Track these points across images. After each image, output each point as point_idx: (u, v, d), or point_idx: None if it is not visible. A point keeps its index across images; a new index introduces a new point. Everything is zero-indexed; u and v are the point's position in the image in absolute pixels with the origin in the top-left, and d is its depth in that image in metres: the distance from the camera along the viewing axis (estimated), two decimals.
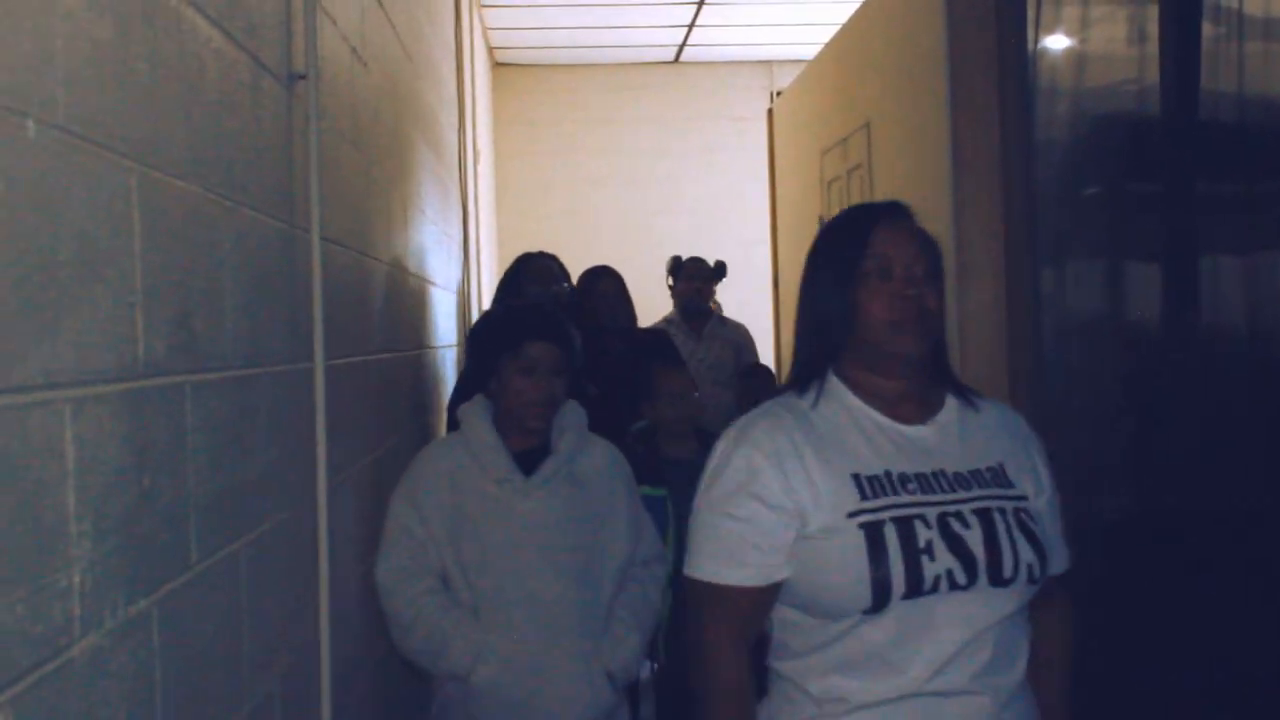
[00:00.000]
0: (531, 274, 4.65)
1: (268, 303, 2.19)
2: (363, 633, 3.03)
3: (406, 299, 4.00)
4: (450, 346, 5.29)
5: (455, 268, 5.83)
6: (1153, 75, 4.14)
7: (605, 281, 4.93)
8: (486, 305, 7.88)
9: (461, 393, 4.24)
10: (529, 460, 2.90)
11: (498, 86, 10.44)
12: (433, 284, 4.74)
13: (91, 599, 1.36)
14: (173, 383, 1.66)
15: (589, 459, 2.98)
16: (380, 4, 3.64)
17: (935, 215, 4.05)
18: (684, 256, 6.38)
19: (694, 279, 6.15)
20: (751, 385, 5.11)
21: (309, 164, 2.45)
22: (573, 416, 3.00)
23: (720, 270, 6.26)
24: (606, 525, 2.94)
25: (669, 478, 3.77)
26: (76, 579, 1.32)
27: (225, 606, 1.89)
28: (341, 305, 2.80)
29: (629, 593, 2.97)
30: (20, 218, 1.21)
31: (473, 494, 2.86)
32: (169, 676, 1.60)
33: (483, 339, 3.11)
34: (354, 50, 3.14)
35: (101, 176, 1.42)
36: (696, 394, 4.13)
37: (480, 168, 7.92)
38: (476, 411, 2.96)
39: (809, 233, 6.20)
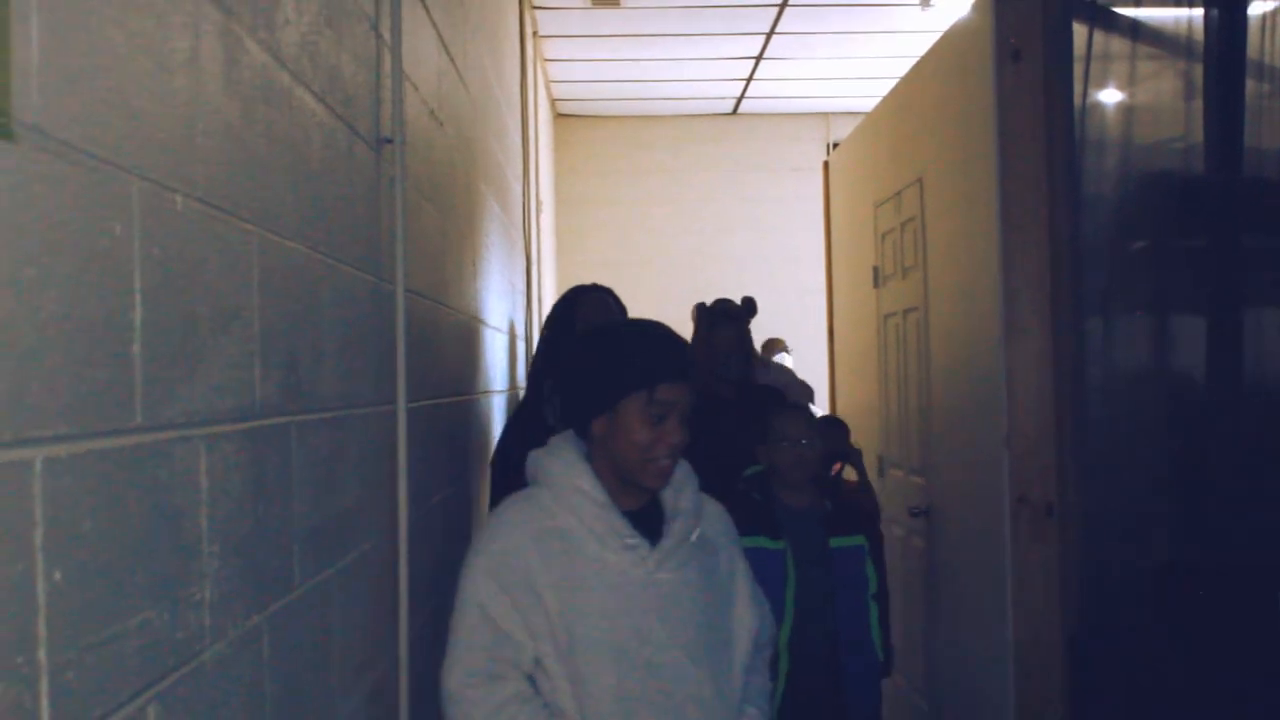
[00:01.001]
0: (587, 308, 4.20)
1: (358, 350, 2.39)
2: (438, 660, 3.20)
3: (476, 345, 4.20)
4: (508, 391, 5.48)
5: (520, 315, 6.04)
6: (1199, 132, 4.28)
7: (725, 326, 4.49)
8: None
9: (519, 434, 3.98)
10: (636, 524, 2.32)
11: (559, 137, 10.69)
12: (500, 330, 4.94)
13: (219, 611, 1.54)
14: (281, 422, 1.85)
15: (709, 523, 2.46)
16: (454, 66, 3.86)
17: (984, 268, 4.20)
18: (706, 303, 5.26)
19: (733, 321, 4.93)
20: (830, 436, 4.63)
21: (395, 222, 2.65)
22: (684, 471, 2.44)
23: (751, 308, 5.15)
24: (735, 602, 2.45)
25: (787, 529, 3.58)
26: (208, 593, 1.51)
27: (320, 627, 2.07)
28: (421, 352, 3.00)
29: (754, 685, 2.47)
30: (171, 279, 1.41)
31: (583, 565, 2.25)
32: (275, 686, 1.78)
33: (594, 370, 2.34)
34: (432, 113, 3.35)
35: (229, 241, 1.62)
36: (819, 440, 3.79)
37: (542, 218, 8.15)
38: (569, 459, 2.34)
39: (864, 283, 6.38)
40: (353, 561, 2.31)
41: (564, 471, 2.32)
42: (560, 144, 10.71)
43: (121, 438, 1.28)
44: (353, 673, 2.29)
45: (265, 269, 1.77)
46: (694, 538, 2.36)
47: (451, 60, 3.80)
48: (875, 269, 6.06)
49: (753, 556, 3.34)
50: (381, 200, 2.64)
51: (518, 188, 6.31)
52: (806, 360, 8.64)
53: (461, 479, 3.85)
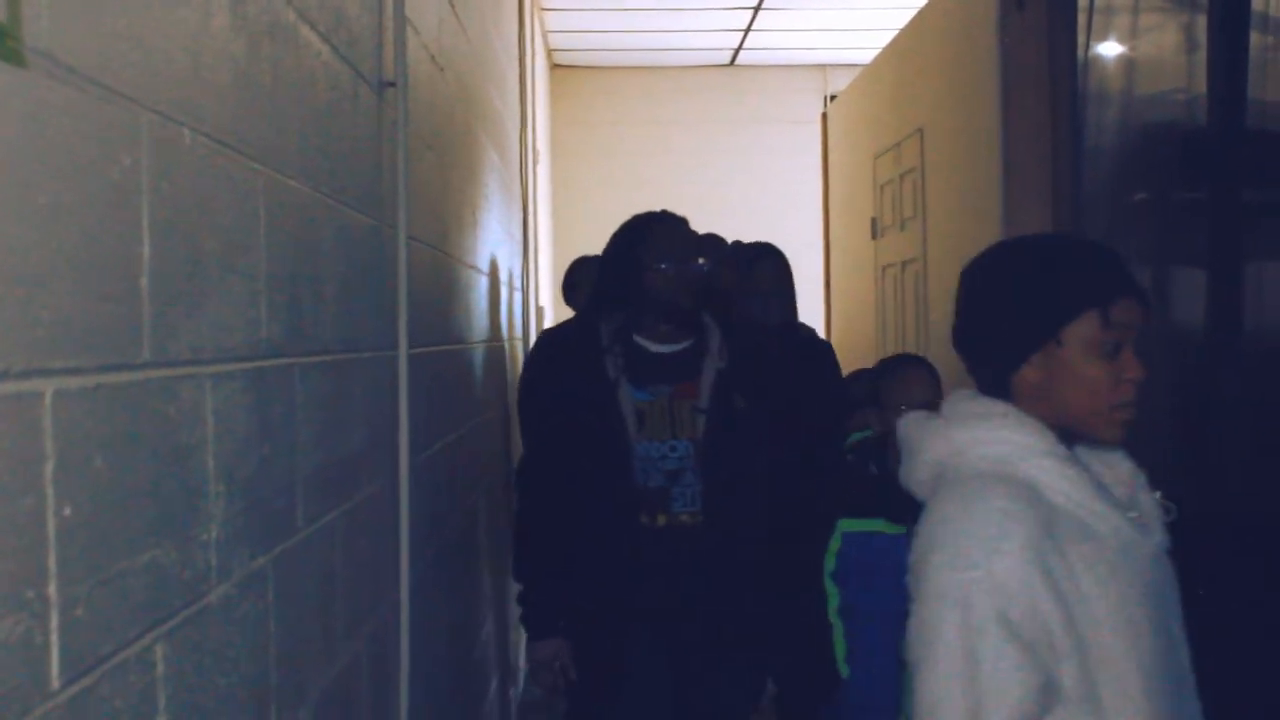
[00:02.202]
0: (662, 242, 3.28)
1: (361, 294, 2.37)
2: (441, 603, 3.21)
3: (476, 294, 4.18)
4: (509, 341, 5.47)
5: (517, 264, 6.01)
6: (1201, 84, 4.25)
7: (765, 262, 4.05)
8: (544, 301, 8.07)
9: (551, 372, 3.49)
10: None
11: (555, 88, 10.63)
12: (499, 281, 4.92)
13: (224, 552, 1.53)
14: (286, 364, 1.83)
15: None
16: (455, 12, 3.82)
17: (985, 219, 4.19)
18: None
19: (773, 257, 4.22)
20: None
21: (397, 167, 2.63)
22: None
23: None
24: None
25: (913, 511, 2.84)
26: (215, 533, 1.50)
27: (323, 571, 2.06)
28: (422, 299, 2.98)
29: None
30: (179, 214, 1.39)
31: (1095, 544, 1.72)
32: (280, 628, 1.77)
33: (1022, 294, 1.80)
34: (433, 58, 3.32)
35: (236, 178, 1.60)
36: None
37: (539, 168, 8.11)
38: (1016, 424, 1.78)
39: (862, 235, 6.35)
40: (356, 505, 2.30)
41: (1021, 429, 1.76)
42: (557, 95, 10.65)
43: (130, 372, 1.27)
44: (355, 616, 2.29)
45: (271, 207, 1.75)
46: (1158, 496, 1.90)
47: (451, 6, 3.76)
48: (873, 220, 6.05)
49: (867, 543, 3.15)
50: (384, 144, 2.61)
51: (516, 138, 6.27)
52: (804, 313, 8.60)
53: (464, 426, 3.84)
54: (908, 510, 2.27)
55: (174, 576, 1.37)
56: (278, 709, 1.76)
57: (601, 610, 3.28)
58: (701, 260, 3.28)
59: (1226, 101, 4.15)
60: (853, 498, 2.20)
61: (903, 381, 3.30)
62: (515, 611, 4.03)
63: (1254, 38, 4.19)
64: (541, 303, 7.64)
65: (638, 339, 3.29)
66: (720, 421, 3.23)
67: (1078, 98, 4.17)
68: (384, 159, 2.61)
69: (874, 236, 6.05)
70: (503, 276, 5.16)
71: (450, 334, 3.57)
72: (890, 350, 5.66)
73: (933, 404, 2.73)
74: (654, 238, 3.29)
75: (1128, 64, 4.44)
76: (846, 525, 3.33)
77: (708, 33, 9.72)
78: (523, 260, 6.41)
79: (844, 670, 3.37)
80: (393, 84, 2.63)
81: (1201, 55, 4.25)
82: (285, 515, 1.83)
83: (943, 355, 4.87)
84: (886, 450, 3.15)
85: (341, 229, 2.21)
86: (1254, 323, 4.16)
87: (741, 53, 10.39)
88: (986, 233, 4.15)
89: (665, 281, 3.24)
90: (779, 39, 9.89)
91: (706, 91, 10.90)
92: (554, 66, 10.64)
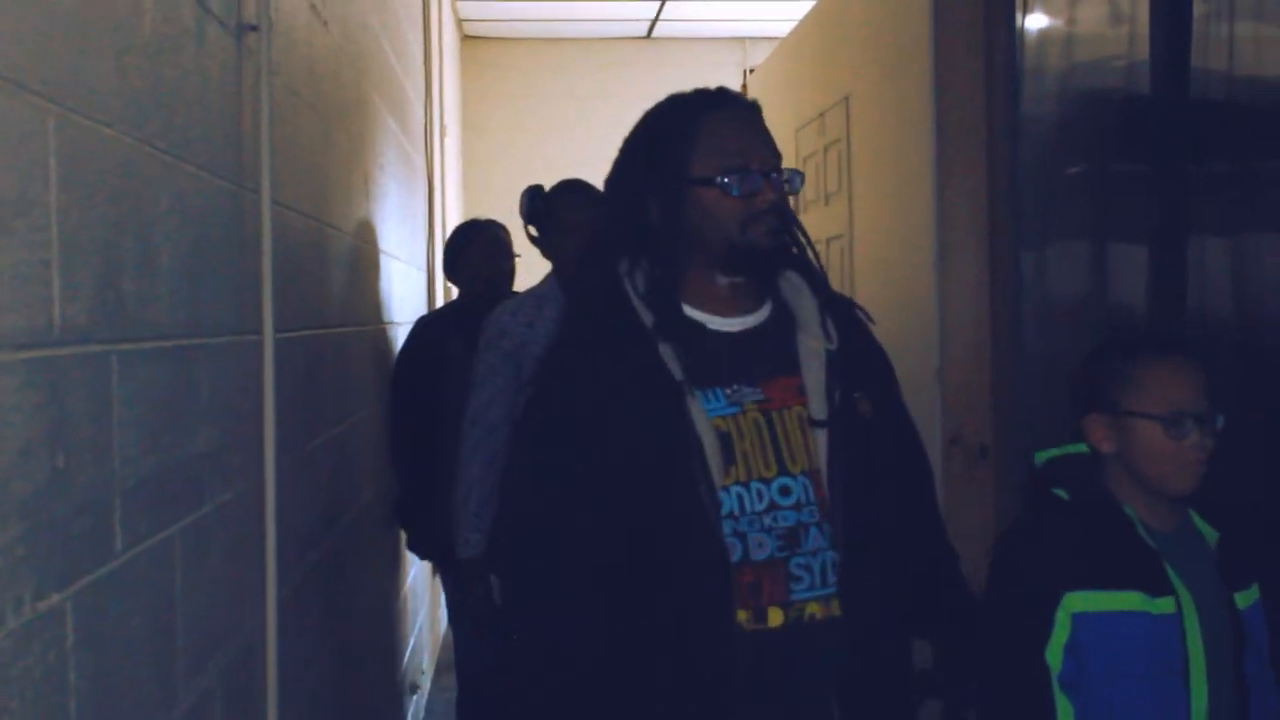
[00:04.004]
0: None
1: (212, 269, 2.03)
2: (316, 624, 2.87)
3: (366, 271, 3.83)
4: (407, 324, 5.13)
5: (420, 242, 5.66)
6: (1142, 52, 4.01)
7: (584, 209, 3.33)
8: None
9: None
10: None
11: (466, 60, 10.25)
12: (395, 258, 4.57)
13: None
14: (96, 351, 1.49)
15: None
16: None
17: (915, 192, 3.92)
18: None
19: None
20: None
21: (260, 121, 2.29)
22: None
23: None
24: None
25: (1183, 573, 2.03)
26: None
27: (156, 598, 1.73)
28: (297, 275, 2.64)
29: None
30: None
31: None
32: (86, 677, 1.44)
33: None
34: (313, 7, 2.97)
35: (5, 114, 1.26)
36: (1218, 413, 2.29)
37: (447, 142, 7.74)
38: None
39: None
40: (205, 516, 1.96)
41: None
42: (467, 67, 10.26)
43: None
44: (205, 647, 1.95)
45: (68, 157, 1.40)
46: None
47: None
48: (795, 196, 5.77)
49: (1112, 627, 1.96)
50: (246, 96, 2.27)
51: (419, 108, 5.91)
52: None
53: (350, 418, 3.49)
54: (1174, 575, 1.98)
55: None
56: None
57: None
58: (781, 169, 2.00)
59: (1169, 71, 3.91)
60: (1074, 560, 1.81)
61: (1160, 365, 2.46)
62: (416, 623, 3.71)
63: (1196, 5, 3.96)
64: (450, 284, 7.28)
65: (688, 310, 1.96)
66: (848, 438, 1.93)
67: (1015, 62, 3.91)
68: (246, 113, 2.26)
69: (797, 213, 5.77)
70: (402, 253, 4.81)
71: (337, 315, 3.22)
72: None
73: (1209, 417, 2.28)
74: (712, 132, 1.95)
75: (1066, 31, 4.19)
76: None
77: (623, 2, 9.39)
78: (428, 237, 6.06)
79: None
80: (255, 28, 2.29)
81: (1143, 23, 4.01)
82: (95, 538, 1.49)
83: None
84: (1112, 482, 2.12)
85: (183, 190, 1.87)
86: (1197, 300, 3.94)
87: (658, 24, 10.07)
88: (918, 203, 3.88)
89: (735, 206, 1.93)
90: (696, 9, 9.58)
91: (623, 65, 10.56)
92: (465, 37, 10.25)
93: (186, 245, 1.87)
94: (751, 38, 10.33)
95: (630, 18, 9.88)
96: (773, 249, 1.93)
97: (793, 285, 2.00)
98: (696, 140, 1.92)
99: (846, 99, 4.77)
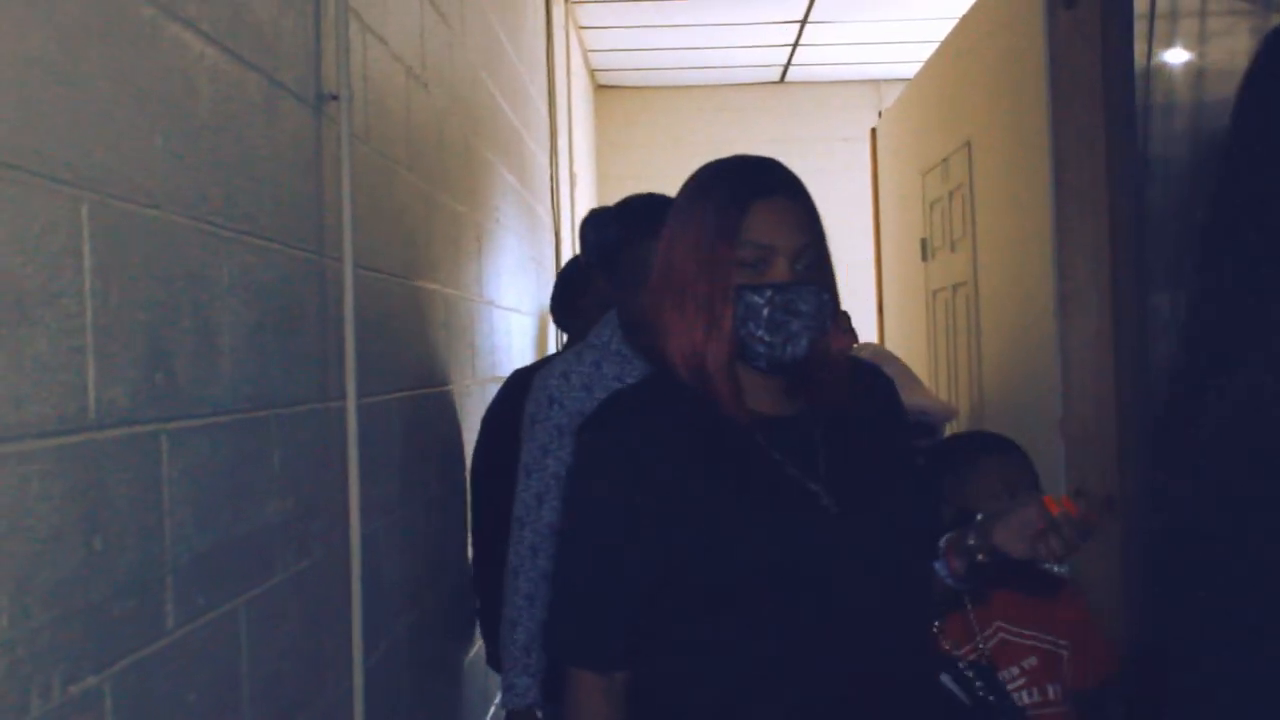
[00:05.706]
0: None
1: (286, 339, 2.04)
2: (406, 687, 2.86)
3: (473, 327, 3.85)
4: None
5: (544, 292, 5.68)
6: None
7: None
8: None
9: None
10: None
11: (600, 109, 10.32)
12: (515, 310, 4.59)
13: (20, 683, 1.20)
14: (142, 432, 1.50)
15: None
16: (446, 23, 3.50)
17: (1035, 240, 3.81)
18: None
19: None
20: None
21: (341, 187, 2.30)
22: None
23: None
24: None
25: None
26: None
27: (218, 671, 1.73)
28: (382, 338, 2.65)
29: None
30: None
31: None
32: None
33: None
34: (409, 70, 3.00)
35: (36, 206, 1.27)
36: None
37: (578, 192, 7.78)
38: None
39: (913, 257, 5.98)
40: (277, 586, 1.97)
41: None
42: (601, 117, 10.34)
43: None
44: (277, 717, 1.95)
45: (105, 242, 1.42)
46: None
47: (442, 17, 3.44)
48: (923, 241, 5.66)
49: None
50: (327, 164, 2.29)
51: (543, 159, 5.95)
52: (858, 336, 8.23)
53: (448, 479, 3.47)
54: None
55: None
56: None
57: None
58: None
59: None
60: None
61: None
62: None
63: None
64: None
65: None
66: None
67: (1137, 107, 3.77)
68: (326, 181, 2.28)
69: (924, 258, 5.65)
70: (521, 305, 4.83)
71: (433, 375, 3.23)
72: (943, 380, 5.27)
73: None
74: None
75: (1196, 70, 4.04)
76: None
77: (756, 49, 9.36)
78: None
79: None
80: (335, 97, 2.31)
81: None
82: (135, 619, 1.49)
83: (993, 385, 4.49)
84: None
85: (247, 264, 1.88)
86: None
87: (791, 69, 10.02)
88: (1038, 252, 3.76)
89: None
90: (829, 54, 9.51)
91: (756, 110, 10.53)
92: (598, 87, 10.33)
93: (252, 319, 1.88)
94: (886, 79, 10.22)
95: (763, 63, 9.86)
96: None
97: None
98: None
99: (968, 144, 4.67)
